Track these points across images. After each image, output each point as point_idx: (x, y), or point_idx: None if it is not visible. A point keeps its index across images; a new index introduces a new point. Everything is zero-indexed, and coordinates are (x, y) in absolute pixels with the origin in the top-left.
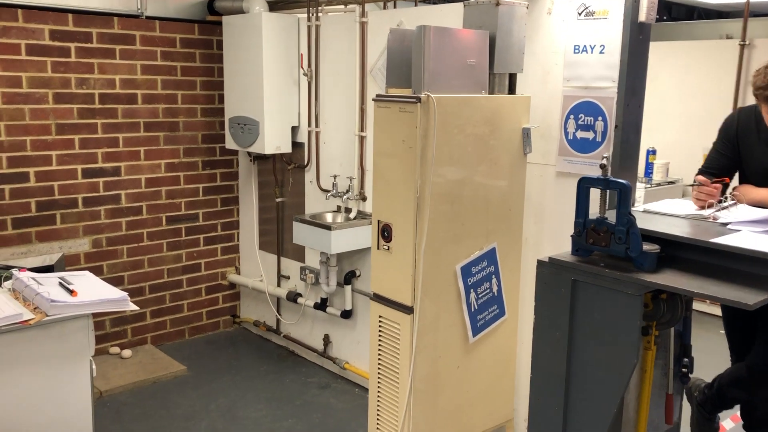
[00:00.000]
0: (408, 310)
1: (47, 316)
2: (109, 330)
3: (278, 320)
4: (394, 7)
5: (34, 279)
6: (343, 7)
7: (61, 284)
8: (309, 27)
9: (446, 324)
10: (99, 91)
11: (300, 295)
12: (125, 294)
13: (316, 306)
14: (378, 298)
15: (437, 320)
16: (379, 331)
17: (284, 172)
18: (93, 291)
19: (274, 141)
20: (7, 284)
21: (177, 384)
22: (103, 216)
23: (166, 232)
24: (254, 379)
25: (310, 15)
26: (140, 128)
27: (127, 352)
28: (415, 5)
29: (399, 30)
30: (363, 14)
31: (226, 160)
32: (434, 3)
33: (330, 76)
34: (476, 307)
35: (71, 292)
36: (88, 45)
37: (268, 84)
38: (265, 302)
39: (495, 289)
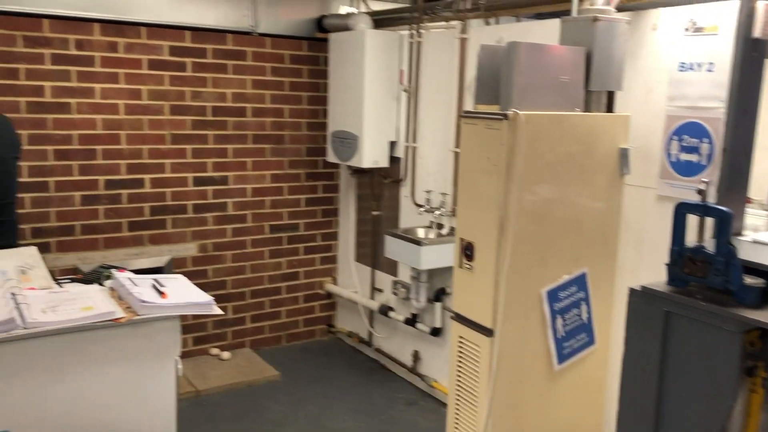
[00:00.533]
0: (488, 332)
1: (137, 315)
2: (210, 331)
3: (370, 333)
4: (497, 23)
5: (130, 279)
6: (445, 23)
7: (153, 286)
8: (411, 44)
9: (529, 349)
10: (211, 104)
11: (392, 309)
12: (211, 299)
13: (407, 321)
14: (459, 317)
15: (520, 344)
16: (459, 351)
17: (381, 186)
18: (182, 294)
19: (371, 155)
20: (108, 283)
21: (270, 388)
22: (211, 222)
23: (268, 240)
24: (344, 389)
25: (413, 32)
26: (248, 140)
27: (226, 354)
28: (518, 21)
29: (489, 46)
30: (464, 30)
31: (328, 172)
32: (540, 18)
33: (429, 92)
34: (563, 334)
35: (161, 293)
36: (203, 60)
37: (369, 99)
38: (359, 314)
39: (584, 316)
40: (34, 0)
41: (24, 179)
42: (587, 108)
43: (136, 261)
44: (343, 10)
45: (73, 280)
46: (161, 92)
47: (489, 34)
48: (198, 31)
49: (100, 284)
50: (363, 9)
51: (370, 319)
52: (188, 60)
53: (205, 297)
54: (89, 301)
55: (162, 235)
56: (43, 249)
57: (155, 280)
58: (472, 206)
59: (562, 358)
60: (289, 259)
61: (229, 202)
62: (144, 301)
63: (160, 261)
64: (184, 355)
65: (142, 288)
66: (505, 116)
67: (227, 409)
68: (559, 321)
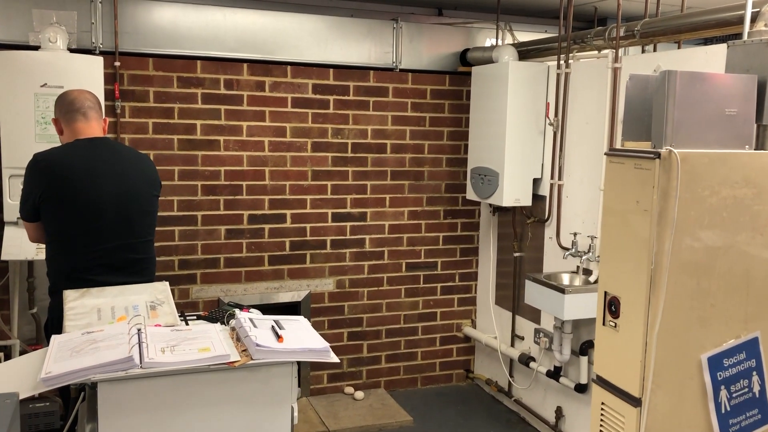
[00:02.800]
0: (635, 401)
1: (252, 359)
2: (345, 369)
3: (510, 382)
4: (654, 50)
5: (251, 320)
6: (596, 52)
7: (273, 328)
8: (558, 75)
9: (686, 424)
10: (352, 141)
11: (533, 359)
12: (327, 345)
13: (549, 374)
14: (601, 381)
15: (674, 418)
16: (601, 420)
17: (523, 226)
18: (299, 338)
19: (513, 193)
20: (232, 323)
21: None
22: (348, 258)
23: (405, 278)
24: None
25: (560, 62)
26: (387, 176)
27: (359, 394)
28: (679, 47)
29: (640, 76)
30: (616, 59)
31: (468, 210)
32: (708, 43)
33: (577, 126)
34: (728, 408)
35: (279, 337)
36: (345, 97)
37: (511, 134)
38: (499, 361)
39: (756, 389)
40: (189, 43)
41: (174, 213)
42: (760, 145)
43: (276, 294)
44: (489, 42)
45: (198, 317)
46: (304, 129)
47: (645, 62)
48: (341, 69)
49: (224, 323)
50: (509, 41)
51: (510, 367)
52: (331, 97)
53: (321, 343)
54: (207, 342)
55: (301, 269)
56: (189, 280)
57: (276, 321)
58: (618, 255)
59: None
60: (426, 298)
61: (366, 238)
62: (259, 345)
63: (298, 296)
64: (318, 392)
65: (260, 330)
66: (657, 155)
67: None
68: (723, 393)
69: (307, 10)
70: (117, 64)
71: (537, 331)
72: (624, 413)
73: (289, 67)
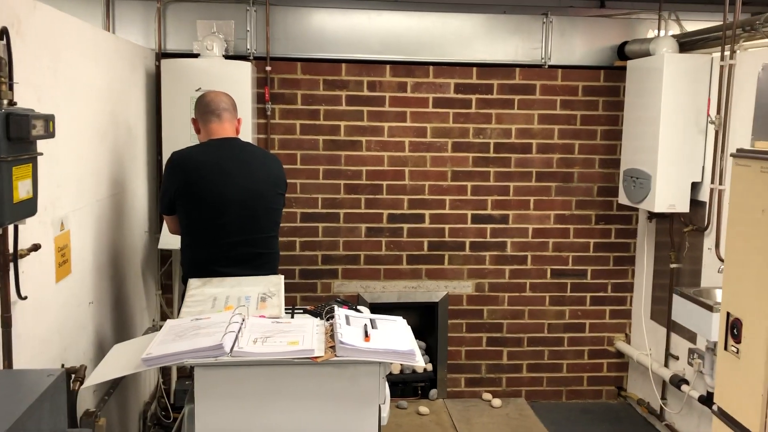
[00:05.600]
0: None
1: (336, 356)
2: (484, 375)
3: (661, 405)
4: None
5: (346, 317)
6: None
7: (366, 326)
8: (721, 67)
9: None
10: (494, 141)
11: (686, 381)
12: (413, 348)
13: (701, 399)
14: (721, 413)
15: None
16: None
17: (681, 235)
18: (388, 339)
19: (666, 198)
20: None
21: None
22: (488, 261)
23: (550, 285)
24: None
25: (724, 53)
26: (532, 178)
27: (497, 401)
28: None
29: None
30: None
31: (624, 215)
32: None
33: (743, 125)
34: None
35: (366, 336)
36: (488, 96)
37: (665, 133)
38: (650, 380)
39: None
40: (335, 46)
41: (318, 210)
42: None
43: (414, 294)
44: (651, 34)
45: (305, 311)
46: (445, 129)
47: None
48: (485, 67)
49: (324, 318)
50: (675, 31)
51: (662, 388)
52: (473, 96)
53: (407, 346)
54: (299, 336)
55: (439, 270)
56: (331, 275)
57: (371, 321)
58: (742, 272)
59: None
60: (573, 308)
61: (508, 241)
62: (342, 342)
63: (436, 296)
64: (456, 395)
65: (351, 328)
66: None
67: None
68: None
69: (458, 9)
70: (268, 68)
71: (691, 352)
72: None
73: (431, 67)
